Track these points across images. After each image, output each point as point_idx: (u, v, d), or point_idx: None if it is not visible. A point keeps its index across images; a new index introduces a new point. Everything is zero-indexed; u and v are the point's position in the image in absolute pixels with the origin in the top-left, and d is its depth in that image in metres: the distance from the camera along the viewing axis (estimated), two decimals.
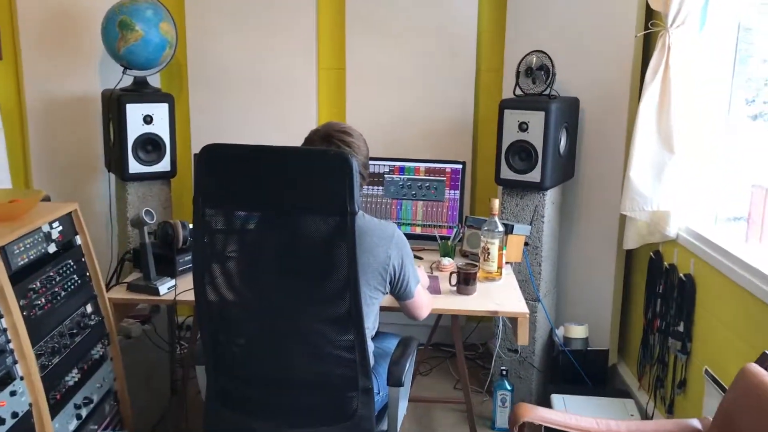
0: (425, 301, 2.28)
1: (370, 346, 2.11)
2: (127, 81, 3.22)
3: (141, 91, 3.17)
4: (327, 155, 1.80)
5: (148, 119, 3.10)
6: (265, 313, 1.92)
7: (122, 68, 3.13)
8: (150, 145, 3.15)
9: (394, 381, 2.00)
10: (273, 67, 3.62)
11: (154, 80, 3.51)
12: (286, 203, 1.81)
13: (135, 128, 3.08)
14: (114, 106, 3.07)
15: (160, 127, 3.14)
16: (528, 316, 2.42)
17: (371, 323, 2.08)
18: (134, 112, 3.06)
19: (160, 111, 3.13)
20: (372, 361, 2.11)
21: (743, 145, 2.73)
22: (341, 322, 1.84)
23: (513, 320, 2.49)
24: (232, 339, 1.97)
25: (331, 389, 1.92)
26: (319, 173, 1.76)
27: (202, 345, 2.00)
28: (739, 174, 2.76)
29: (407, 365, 2.04)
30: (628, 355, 3.40)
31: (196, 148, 3.68)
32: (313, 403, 1.92)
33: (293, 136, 3.59)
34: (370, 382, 1.90)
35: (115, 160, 3.16)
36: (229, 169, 1.84)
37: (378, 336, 2.44)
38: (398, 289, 2.12)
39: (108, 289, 2.61)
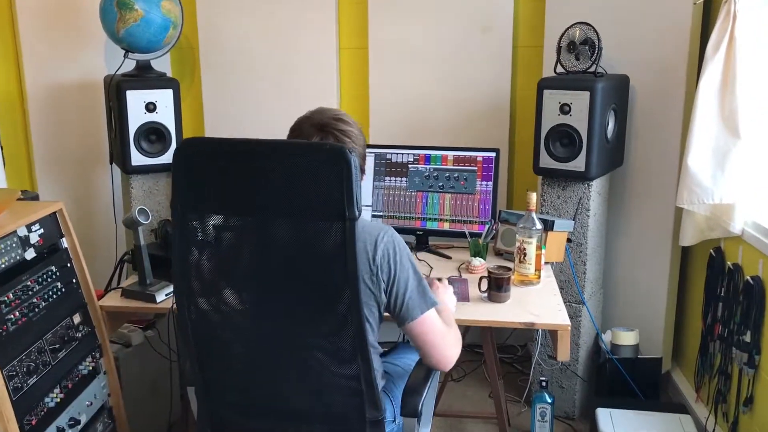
0: (443, 335, 1.74)
1: (378, 366, 1.81)
2: (131, 66, 2.97)
3: (143, 77, 2.91)
4: (321, 150, 1.50)
5: (150, 107, 2.85)
6: (256, 335, 1.65)
7: (123, 52, 2.88)
8: (154, 135, 2.90)
9: (409, 411, 1.71)
10: (290, 47, 3.34)
11: (164, 65, 3.27)
12: (277, 207, 1.52)
13: (137, 117, 2.83)
14: (114, 93, 2.83)
15: (165, 116, 2.88)
16: (569, 328, 2.11)
17: (373, 338, 1.78)
18: (135, 99, 2.81)
19: (164, 98, 2.87)
20: (382, 382, 1.82)
21: None
22: (342, 345, 1.56)
23: (553, 333, 2.18)
24: (221, 362, 1.71)
25: (335, 421, 1.65)
26: (312, 172, 1.47)
27: (190, 367, 1.75)
28: None
29: (425, 393, 1.75)
30: (684, 362, 3.06)
31: (210, 135, 3.48)
32: None
33: None
34: (380, 412, 1.62)
35: (117, 152, 2.93)
36: (211, 168, 1.57)
37: (398, 349, 2.16)
38: (394, 306, 1.70)
39: (105, 293, 2.39)
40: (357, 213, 1.45)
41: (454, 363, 1.77)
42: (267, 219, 1.54)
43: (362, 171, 1.80)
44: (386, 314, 1.75)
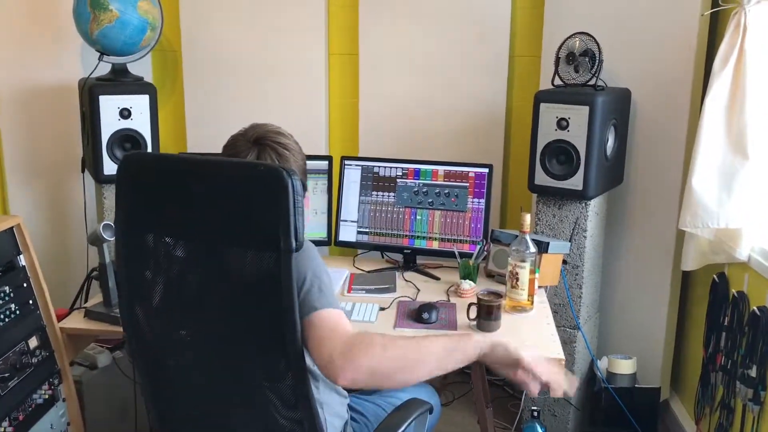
0: (341, 331, 1.39)
1: (332, 408, 1.66)
2: (106, 69, 2.82)
3: (118, 81, 2.76)
4: (255, 170, 1.34)
5: (125, 113, 2.70)
6: (199, 365, 1.51)
7: (98, 54, 2.73)
8: (128, 143, 2.74)
9: None
10: (278, 52, 3.19)
11: (144, 68, 3.11)
12: (209, 231, 1.38)
13: (110, 123, 2.68)
14: (86, 97, 2.68)
15: (140, 122, 2.73)
16: (563, 362, 1.96)
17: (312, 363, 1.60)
18: (109, 104, 2.66)
19: (139, 103, 2.72)
20: (341, 425, 1.66)
21: None
22: (280, 386, 1.40)
23: None
24: (166, 391, 1.59)
25: None
26: (244, 195, 1.32)
27: (143, 395, 1.61)
28: None
29: None
30: (684, 391, 2.92)
31: (192, 145, 3.31)
32: None
33: (300, 130, 3.17)
34: None
35: (90, 159, 2.77)
36: (150, 186, 1.44)
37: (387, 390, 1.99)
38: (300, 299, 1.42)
39: (70, 312, 2.24)
40: (294, 244, 1.28)
41: (350, 374, 1.33)
42: (199, 243, 1.40)
43: (305, 188, 1.67)
44: None
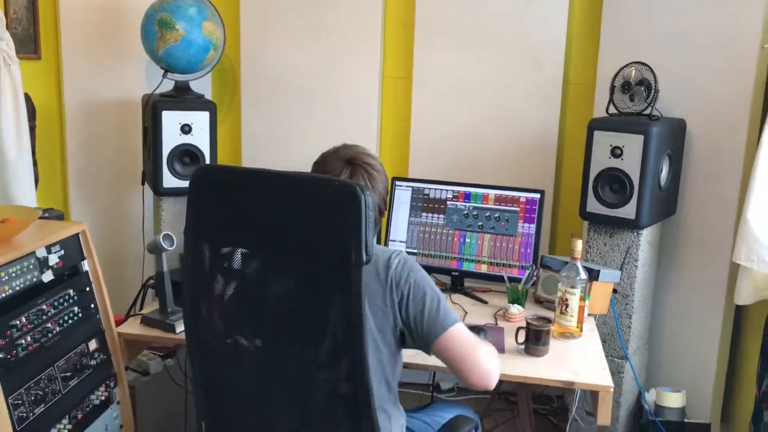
0: (478, 345, 1.62)
1: (393, 414, 1.67)
2: (170, 86, 2.92)
3: (181, 97, 2.86)
4: (330, 186, 1.39)
5: (186, 128, 2.79)
6: (256, 376, 1.55)
7: (163, 72, 2.83)
8: (187, 157, 2.83)
9: None
10: (334, 74, 3.25)
11: (204, 85, 3.21)
12: (283, 243, 1.41)
13: (171, 138, 2.77)
14: (150, 112, 2.78)
15: (200, 138, 2.82)
16: (612, 390, 1.94)
17: (391, 377, 1.64)
18: (171, 120, 2.76)
19: (200, 120, 2.81)
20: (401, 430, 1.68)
21: None
22: (343, 398, 1.43)
23: (594, 393, 2.01)
24: (225, 401, 1.61)
25: None
26: (319, 209, 1.36)
27: (197, 401, 1.64)
28: None
29: None
30: (734, 429, 2.84)
31: (247, 162, 3.40)
32: None
33: None
34: None
35: (150, 172, 2.87)
36: (224, 197, 1.48)
37: (433, 406, 2.01)
38: (416, 325, 1.57)
39: (126, 318, 2.31)
40: (365, 258, 1.32)
41: (496, 377, 1.61)
42: (273, 255, 1.44)
43: (381, 212, 1.71)
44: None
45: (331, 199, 1.35)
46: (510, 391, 3.27)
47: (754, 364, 2.57)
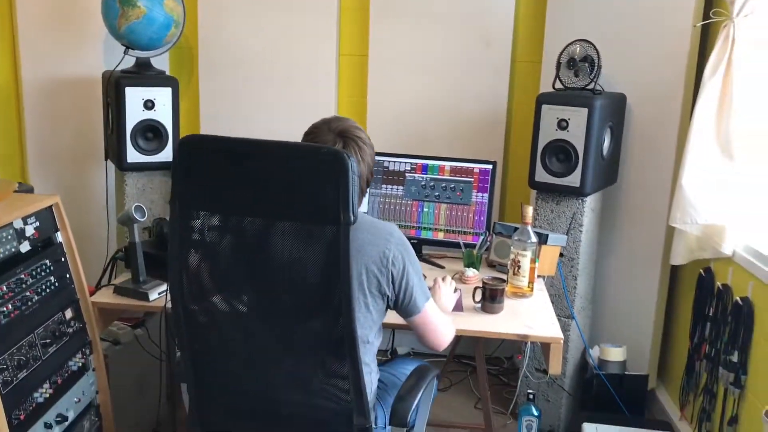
0: (440, 321, 1.90)
1: (373, 366, 1.82)
2: (130, 62, 2.96)
3: (143, 74, 2.91)
4: (319, 153, 1.50)
5: (149, 104, 2.84)
6: (250, 335, 1.65)
7: (124, 48, 2.87)
8: (150, 133, 2.89)
9: (398, 420, 1.72)
10: (291, 52, 3.34)
11: (162, 62, 3.26)
12: (273, 208, 1.52)
13: (134, 113, 2.83)
14: (112, 89, 2.82)
15: (163, 114, 2.88)
16: (562, 341, 2.12)
17: (373, 335, 1.79)
18: (134, 96, 2.81)
19: (162, 96, 2.86)
20: (374, 386, 1.82)
21: None
22: (331, 348, 1.57)
23: (545, 345, 2.19)
24: (211, 359, 1.71)
25: (322, 426, 1.65)
26: (309, 174, 1.48)
27: (183, 363, 1.74)
28: None
29: (415, 402, 1.75)
30: (670, 381, 3.08)
31: None
32: None
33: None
34: (368, 420, 1.62)
35: (113, 148, 2.91)
36: (209, 165, 1.57)
37: (394, 361, 2.16)
38: (401, 300, 1.78)
39: (97, 290, 2.38)
40: (352, 218, 1.45)
41: (448, 342, 1.93)
42: (263, 220, 1.55)
43: (368, 183, 1.83)
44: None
45: (320, 165, 1.46)
46: (462, 354, 3.46)
47: (687, 320, 2.80)
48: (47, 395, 1.95)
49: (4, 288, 1.84)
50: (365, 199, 2.79)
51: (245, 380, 1.70)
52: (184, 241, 1.59)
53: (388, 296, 1.77)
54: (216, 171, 1.56)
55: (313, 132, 1.79)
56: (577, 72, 2.78)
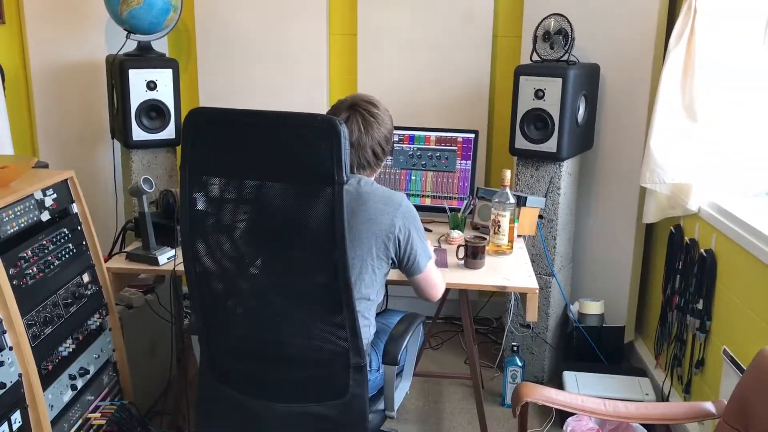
0: (437, 279, 2.16)
1: (372, 320, 2.03)
2: (132, 46, 3.14)
3: (145, 57, 3.08)
4: (315, 121, 1.68)
5: (151, 85, 3.02)
6: (253, 286, 1.85)
7: (126, 33, 3.05)
8: (154, 112, 3.07)
9: (389, 359, 1.92)
10: (283, 32, 3.51)
11: (162, 45, 3.43)
12: (274, 171, 1.71)
13: (138, 94, 3.01)
14: (117, 71, 3.00)
15: (165, 94, 3.06)
16: (537, 291, 2.32)
17: (375, 293, 2.00)
18: (137, 77, 2.99)
19: (164, 77, 3.04)
20: (371, 338, 2.04)
21: None
22: (329, 296, 1.75)
23: (523, 295, 2.39)
24: (221, 311, 1.90)
25: (322, 365, 1.84)
26: (306, 140, 1.66)
27: (194, 316, 1.94)
28: None
29: (405, 342, 1.96)
30: (646, 332, 3.29)
31: None
32: (303, 379, 1.85)
33: (303, 104, 3.52)
34: (363, 359, 1.82)
35: (119, 128, 3.10)
36: (215, 135, 1.75)
37: (385, 313, 2.37)
38: (405, 263, 2.03)
39: (110, 258, 2.57)
40: (345, 178, 1.63)
41: (441, 293, 2.18)
42: (266, 182, 1.73)
43: (376, 154, 2.05)
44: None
45: (315, 131, 1.65)
46: (452, 315, 3.67)
47: (661, 274, 2.99)
48: (70, 350, 2.15)
49: (29, 252, 2.03)
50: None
51: (252, 328, 1.88)
52: (193, 202, 1.77)
53: (393, 260, 2.00)
54: (220, 139, 1.74)
55: (332, 108, 2.05)
56: (553, 44, 2.96)
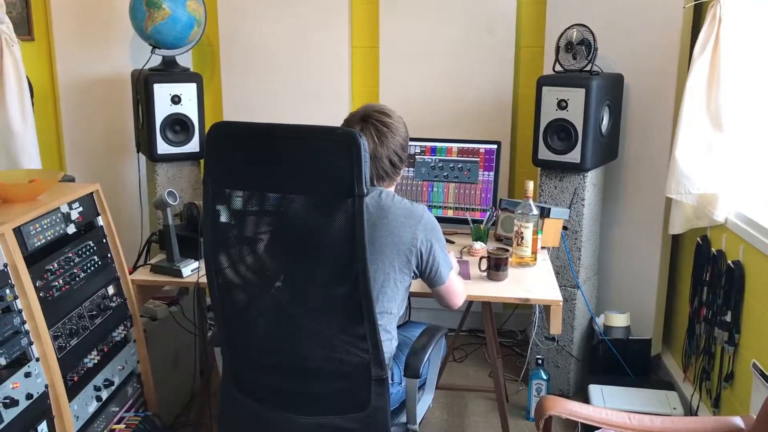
0: (459, 288, 2.16)
1: (394, 334, 2.02)
2: (157, 61, 3.18)
3: (169, 71, 3.13)
4: (334, 134, 1.68)
5: (176, 99, 3.06)
6: (276, 298, 1.85)
7: (150, 48, 3.09)
8: (178, 126, 3.11)
9: (411, 372, 1.90)
10: (306, 45, 3.54)
11: (186, 60, 3.48)
12: (295, 184, 1.71)
13: (163, 108, 3.05)
14: (142, 86, 3.04)
15: (189, 108, 3.10)
16: (561, 303, 2.29)
17: (397, 307, 2.00)
18: (162, 92, 3.03)
19: (188, 91, 3.08)
20: (393, 350, 2.03)
21: None
22: (351, 308, 1.75)
23: (547, 308, 2.37)
24: (243, 323, 1.91)
25: (343, 378, 1.83)
26: (326, 153, 1.66)
27: (217, 327, 1.95)
28: None
29: (426, 355, 1.94)
30: (673, 345, 3.24)
31: None
32: (325, 391, 1.84)
33: (326, 116, 3.54)
34: (384, 371, 1.81)
35: (144, 141, 3.14)
36: (237, 149, 1.76)
37: (407, 325, 2.36)
38: (428, 274, 2.03)
39: (134, 270, 2.59)
40: (365, 190, 1.63)
41: (462, 302, 2.20)
42: (287, 195, 1.73)
43: (393, 164, 2.04)
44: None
45: (335, 144, 1.66)
46: (476, 328, 3.64)
47: (687, 286, 2.95)
48: (95, 361, 2.18)
49: (56, 265, 2.06)
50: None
51: (274, 340, 1.88)
52: (216, 215, 1.78)
53: (415, 272, 2.00)
54: (242, 153, 1.75)
55: (345, 120, 2.04)
56: (575, 55, 2.94)
